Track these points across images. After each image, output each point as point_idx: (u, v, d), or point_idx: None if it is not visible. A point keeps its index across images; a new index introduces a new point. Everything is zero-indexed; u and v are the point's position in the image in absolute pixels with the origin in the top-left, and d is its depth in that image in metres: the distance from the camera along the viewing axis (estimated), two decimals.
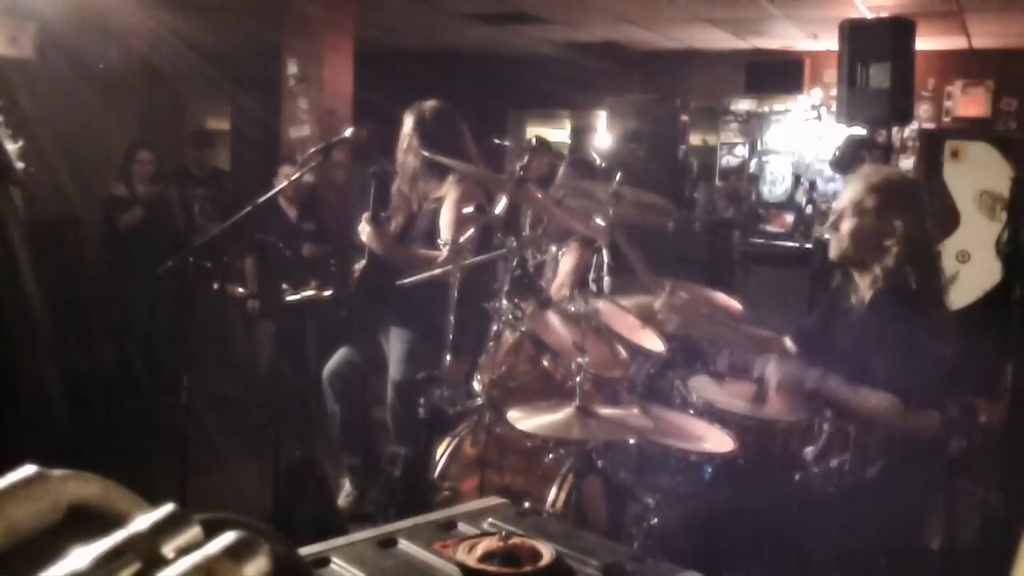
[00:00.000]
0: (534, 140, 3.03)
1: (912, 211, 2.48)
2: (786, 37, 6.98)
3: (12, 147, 1.82)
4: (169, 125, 7.30)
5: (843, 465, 2.48)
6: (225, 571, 0.41)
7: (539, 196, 3.02)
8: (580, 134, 9.45)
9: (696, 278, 3.98)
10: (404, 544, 1.29)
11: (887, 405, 2.35)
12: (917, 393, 2.36)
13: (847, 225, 2.55)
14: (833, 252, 2.62)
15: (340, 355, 3.90)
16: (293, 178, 3.84)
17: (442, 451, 2.86)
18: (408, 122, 3.66)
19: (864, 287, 2.56)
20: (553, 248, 3.71)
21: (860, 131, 5.80)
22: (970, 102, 7.06)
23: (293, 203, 5.37)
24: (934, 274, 2.51)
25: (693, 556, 2.27)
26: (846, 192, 2.63)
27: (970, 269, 6.97)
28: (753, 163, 7.82)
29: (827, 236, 2.73)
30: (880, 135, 5.76)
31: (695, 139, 7.96)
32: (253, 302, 5.25)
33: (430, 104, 3.69)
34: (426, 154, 3.46)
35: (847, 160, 5.60)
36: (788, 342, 2.84)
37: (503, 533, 1.26)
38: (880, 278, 2.49)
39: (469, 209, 3.06)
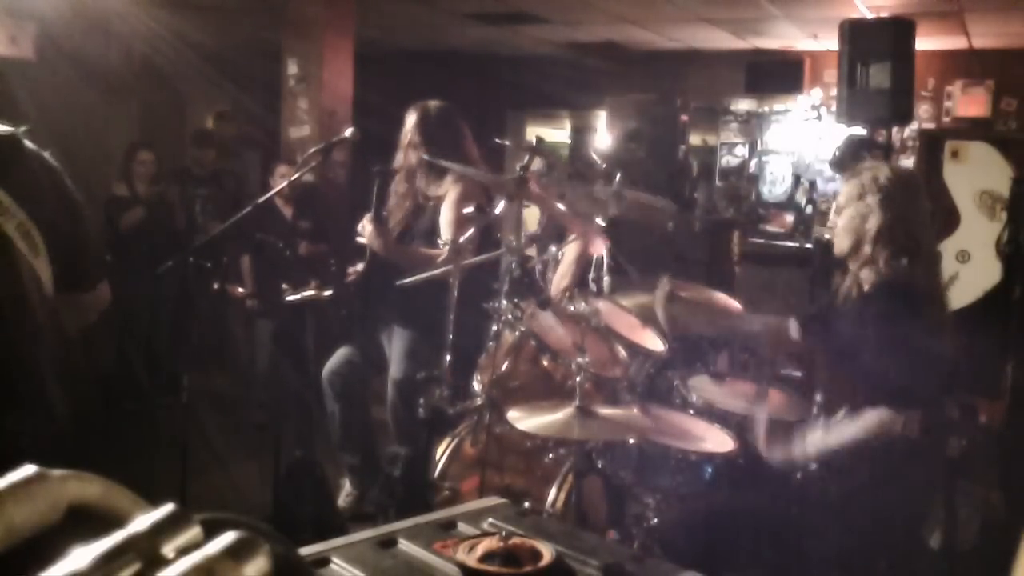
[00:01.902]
0: (535, 140, 3.03)
1: (902, 206, 2.48)
2: (786, 37, 6.98)
3: None
4: (169, 125, 7.30)
5: (843, 465, 2.48)
6: (225, 571, 0.41)
7: (540, 194, 3.02)
8: (580, 134, 9.45)
9: (696, 278, 3.98)
10: (404, 544, 1.29)
11: (873, 425, 2.38)
12: (905, 392, 2.36)
13: (841, 221, 2.57)
14: (835, 248, 2.65)
15: (340, 355, 3.90)
16: (293, 178, 3.84)
17: (442, 451, 2.86)
18: (410, 120, 3.67)
19: (860, 283, 2.57)
20: (553, 248, 3.71)
21: (860, 131, 5.80)
22: (970, 102, 7.06)
23: (288, 202, 5.37)
24: (930, 271, 2.52)
25: (693, 556, 2.27)
26: (843, 189, 2.65)
27: (970, 269, 6.97)
28: (753, 163, 7.82)
29: (827, 236, 2.75)
30: (880, 135, 5.77)
31: (695, 139, 7.95)
32: (251, 301, 5.25)
33: (433, 103, 3.70)
34: (427, 157, 3.46)
35: (847, 160, 5.60)
36: (793, 326, 2.83)
37: (503, 533, 1.26)
38: (873, 274, 2.50)
39: (469, 209, 3.06)
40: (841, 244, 2.60)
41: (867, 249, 2.51)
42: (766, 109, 7.78)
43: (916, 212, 2.52)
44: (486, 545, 1.24)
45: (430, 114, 3.65)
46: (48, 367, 1.89)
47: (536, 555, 1.23)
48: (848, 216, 2.55)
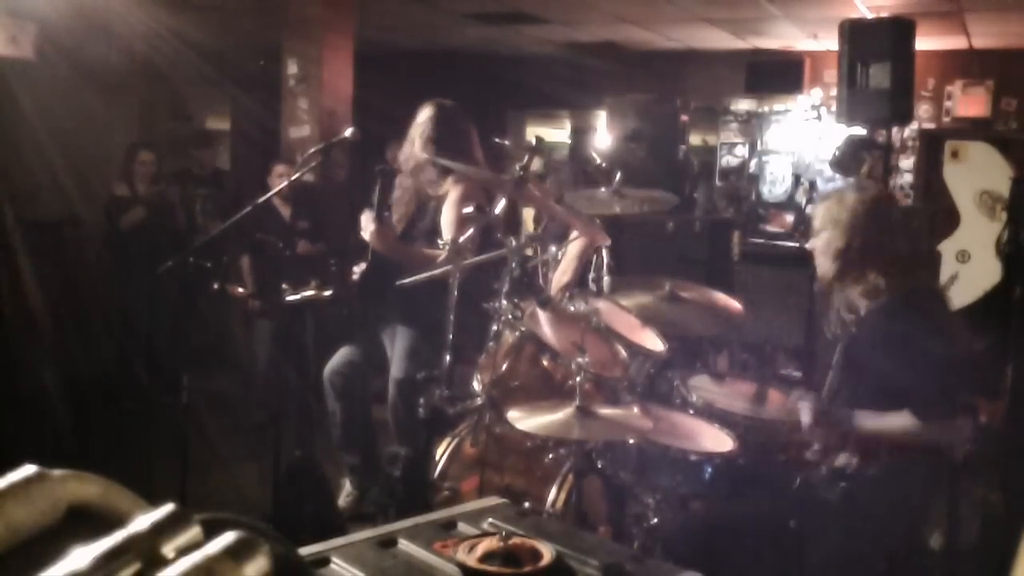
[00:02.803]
0: (535, 140, 3.03)
1: (873, 227, 2.50)
2: (786, 37, 6.98)
3: None
4: (169, 125, 7.30)
5: (844, 466, 2.48)
6: (225, 571, 0.41)
7: (539, 195, 3.02)
8: (580, 134, 9.45)
9: (696, 278, 3.97)
10: (404, 544, 1.29)
11: (911, 425, 2.39)
12: (936, 404, 2.38)
13: (819, 246, 2.60)
14: (818, 272, 2.67)
15: (341, 354, 3.90)
16: (293, 178, 3.83)
17: (442, 451, 2.86)
18: (425, 114, 3.68)
19: (859, 306, 2.58)
20: (553, 248, 3.71)
21: (860, 131, 5.80)
22: (970, 102, 7.06)
23: (286, 202, 5.36)
24: (922, 281, 2.53)
25: (693, 556, 2.27)
26: (816, 212, 2.68)
27: (970, 269, 6.97)
28: (753, 163, 7.82)
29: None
30: (880, 135, 5.77)
31: (695, 139, 7.95)
32: (251, 301, 5.25)
33: (449, 102, 3.72)
34: (432, 158, 3.47)
35: (847, 160, 5.60)
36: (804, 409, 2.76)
37: (503, 533, 1.26)
38: (869, 295, 2.52)
39: (469, 209, 3.06)
40: (823, 269, 2.63)
41: (849, 273, 2.53)
42: (766, 109, 7.78)
43: (890, 229, 2.54)
44: (486, 545, 1.24)
45: (446, 112, 3.67)
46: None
47: (536, 555, 1.23)
48: (824, 241, 2.59)
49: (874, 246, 2.50)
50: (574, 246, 3.72)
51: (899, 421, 2.43)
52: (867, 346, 2.53)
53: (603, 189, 3.26)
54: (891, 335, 2.45)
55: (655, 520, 2.48)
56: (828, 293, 2.68)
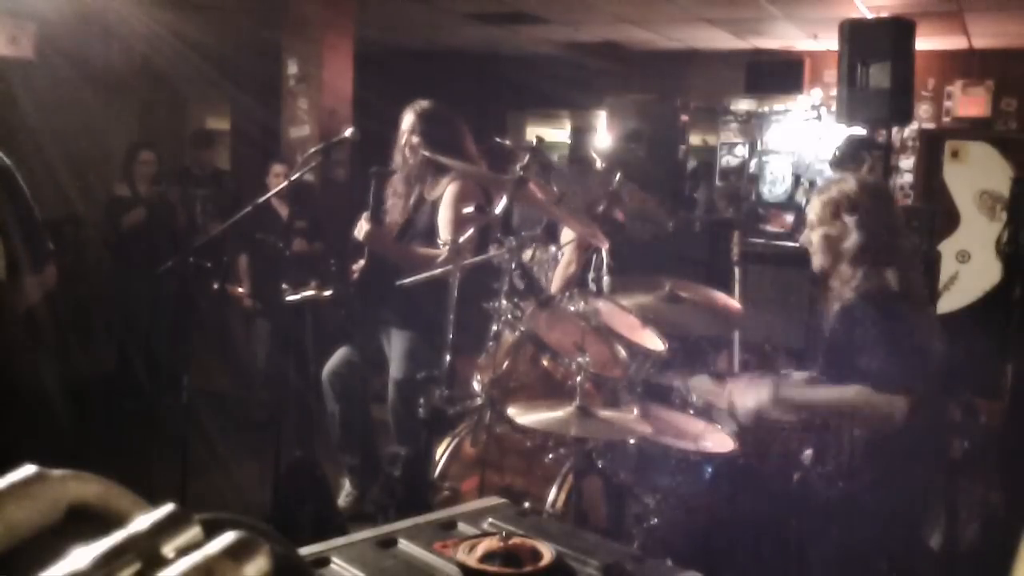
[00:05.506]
0: (535, 140, 3.03)
1: (876, 220, 2.49)
2: (786, 37, 6.98)
3: None
4: (169, 125, 7.30)
5: (843, 466, 2.48)
6: (225, 571, 0.41)
7: (539, 196, 3.02)
8: (580, 134, 9.45)
9: (696, 278, 3.97)
10: (404, 544, 1.29)
11: (850, 395, 2.39)
12: (887, 376, 2.36)
13: (816, 239, 2.60)
14: (813, 265, 2.67)
15: (339, 355, 3.90)
16: (294, 178, 3.83)
17: (442, 451, 2.86)
18: (407, 120, 3.66)
19: (842, 298, 2.58)
20: (553, 248, 3.71)
21: (860, 131, 5.80)
22: (970, 102, 7.06)
23: (284, 201, 5.36)
24: (909, 275, 2.53)
25: (693, 556, 2.28)
26: (813, 205, 2.67)
27: (970, 269, 6.97)
28: (753, 163, 7.82)
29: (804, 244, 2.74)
30: (880, 135, 5.76)
31: (695, 139, 7.96)
32: (250, 301, 5.25)
33: (428, 103, 3.69)
34: (427, 154, 3.46)
35: (847, 160, 5.60)
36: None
37: (503, 533, 1.26)
38: (852, 288, 2.52)
39: (469, 209, 3.05)
40: (818, 262, 2.62)
41: (846, 267, 2.52)
42: (766, 109, 7.78)
43: (890, 222, 2.53)
44: (486, 545, 1.23)
45: (427, 113, 3.64)
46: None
47: (536, 555, 1.23)
48: (823, 234, 2.58)
49: (875, 239, 2.49)
50: (572, 246, 3.72)
51: (835, 392, 2.44)
52: (845, 336, 2.53)
53: (596, 185, 3.26)
54: (857, 330, 2.45)
55: (655, 520, 2.48)
56: (826, 287, 2.67)
